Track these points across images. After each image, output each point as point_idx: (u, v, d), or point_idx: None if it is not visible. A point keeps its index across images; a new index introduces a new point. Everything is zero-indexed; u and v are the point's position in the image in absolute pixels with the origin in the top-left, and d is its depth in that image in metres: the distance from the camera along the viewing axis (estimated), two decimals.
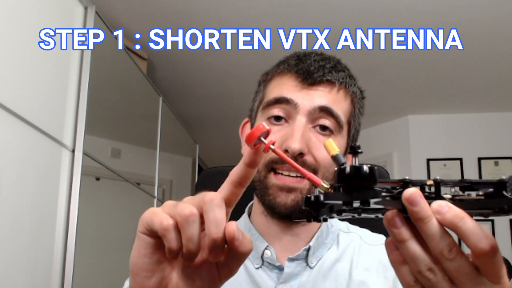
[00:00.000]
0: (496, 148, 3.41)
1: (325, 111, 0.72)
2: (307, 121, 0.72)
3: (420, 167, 3.45)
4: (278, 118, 0.74)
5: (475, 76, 2.91)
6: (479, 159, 3.42)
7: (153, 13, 2.32)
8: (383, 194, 0.40)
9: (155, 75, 2.95)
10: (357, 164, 0.39)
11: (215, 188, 1.00)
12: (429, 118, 3.52)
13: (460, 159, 3.43)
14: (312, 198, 0.45)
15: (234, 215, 0.83)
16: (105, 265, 1.94)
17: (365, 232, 0.82)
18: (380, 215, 0.43)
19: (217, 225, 0.42)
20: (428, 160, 3.45)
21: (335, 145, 0.43)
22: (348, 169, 0.38)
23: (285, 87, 0.75)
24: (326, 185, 0.43)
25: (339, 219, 0.83)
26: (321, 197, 0.45)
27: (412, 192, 0.38)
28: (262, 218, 0.77)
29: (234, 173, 0.47)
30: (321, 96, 0.73)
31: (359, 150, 0.40)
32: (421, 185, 0.40)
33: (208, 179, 1.07)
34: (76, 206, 1.56)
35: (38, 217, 1.41)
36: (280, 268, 0.73)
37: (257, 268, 0.74)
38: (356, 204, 0.39)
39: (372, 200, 0.38)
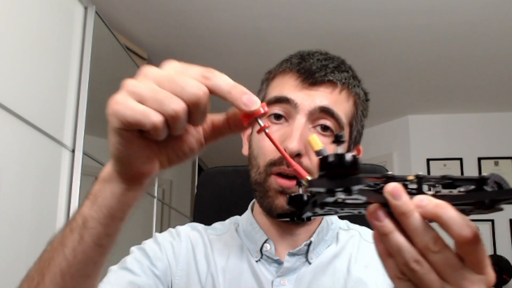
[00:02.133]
0: (496, 148, 3.41)
1: (326, 111, 0.71)
2: (307, 121, 0.71)
3: (420, 167, 3.45)
4: (278, 117, 0.73)
5: (475, 76, 2.91)
6: (479, 159, 3.42)
7: (153, 13, 2.32)
8: (366, 188, 0.40)
9: None
10: (340, 152, 0.39)
11: (215, 188, 1.00)
12: (429, 118, 3.52)
13: (460, 159, 3.43)
14: (296, 197, 0.45)
15: (238, 212, 0.84)
16: (105, 265, 1.93)
17: (365, 229, 0.82)
18: (363, 211, 0.43)
19: (252, 99, 0.44)
20: (428, 160, 3.45)
21: (319, 140, 0.42)
22: (331, 157, 0.39)
23: (286, 86, 0.74)
24: (311, 178, 0.43)
25: (339, 217, 0.84)
26: (305, 196, 0.46)
27: (394, 185, 0.38)
28: (264, 217, 0.77)
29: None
30: (322, 96, 0.72)
31: (342, 139, 0.40)
32: (404, 181, 0.40)
33: (208, 179, 1.07)
34: (76, 206, 1.56)
35: (38, 217, 1.41)
36: (279, 262, 0.73)
37: (257, 261, 0.74)
38: (339, 192, 0.39)
39: (354, 188, 0.38)
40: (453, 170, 3.42)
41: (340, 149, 0.40)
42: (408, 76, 2.93)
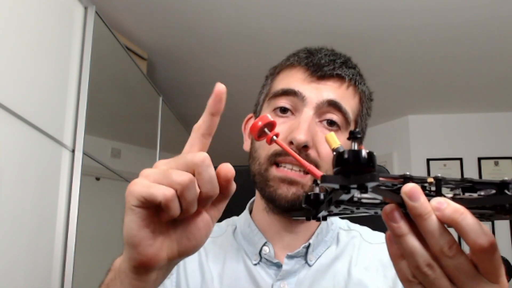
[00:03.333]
0: (496, 148, 3.41)
1: (333, 105, 0.71)
2: (314, 114, 0.71)
3: (420, 167, 3.45)
4: (284, 110, 0.72)
5: (475, 76, 2.91)
6: (479, 159, 3.42)
7: (153, 13, 2.32)
8: (383, 188, 0.40)
9: (155, 75, 2.95)
10: (355, 148, 0.39)
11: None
12: (429, 118, 3.52)
13: (460, 159, 3.43)
14: (312, 196, 0.44)
15: (237, 212, 0.84)
16: (105, 265, 1.93)
17: (366, 230, 0.81)
18: (379, 211, 0.42)
19: (213, 183, 0.43)
20: (428, 160, 3.45)
21: (336, 138, 0.42)
22: (346, 154, 0.38)
23: (294, 79, 0.73)
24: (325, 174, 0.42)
25: (340, 218, 0.83)
26: (321, 196, 0.45)
27: (412, 186, 0.38)
28: (264, 215, 0.76)
29: (202, 126, 0.48)
30: (330, 90, 0.72)
31: (359, 136, 0.40)
32: (422, 182, 0.40)
33: None
34: (76, 206, 1.56)
35: (38, 217, 1.41)
36: (278, 265, 0.72)
37: (255, 264, 0.73)
38: (354, 189, 0.38)
39: (369, 185, 0.37)
40: (453, 170, 3.42)
41: (356, 146, 0.39)
42: (408, 76, 2.93)
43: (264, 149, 0.72)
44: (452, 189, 0.41)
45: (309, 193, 0.45)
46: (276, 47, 2.54)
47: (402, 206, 0.39)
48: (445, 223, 0.38)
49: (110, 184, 2.01)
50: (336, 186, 0.39)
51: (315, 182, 0.47)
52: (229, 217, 0.84)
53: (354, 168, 0.38)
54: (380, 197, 0.40)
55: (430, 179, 0.40)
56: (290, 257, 0.72)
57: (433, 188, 0.40)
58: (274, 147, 0.70)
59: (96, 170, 1.82)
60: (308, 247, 0.73)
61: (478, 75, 2.89)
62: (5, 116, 1.25)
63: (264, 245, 0.73)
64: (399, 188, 0.39)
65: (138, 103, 2.42)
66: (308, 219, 0.47)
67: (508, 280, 3.05)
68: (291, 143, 0.69)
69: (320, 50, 0.76)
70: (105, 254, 1.95)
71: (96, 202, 1.89)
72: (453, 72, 2.86)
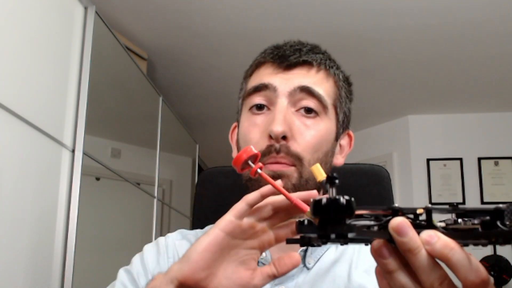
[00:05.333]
0: (496, 148, 3.41)
1: (305, 91, 0.70)
2: (289, 104, 0.70)
3: (420, 167, 3.45)
4: (260, 107, 0.72)
5: (475, 76, 2.91)
6: (479, 159, 3.42)
7: (153, 13, 2.32)
8: (370, 223, 0.39)
9: (155, 75, 2.95)
10: (333, 195, 0.38)
11: (215, 188, 1.01)
12: (429, 118, 3.52)
13: (460, 159, 3.43)
14: (306, 223, 0.43)
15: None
16: (105, 265, 1.93)
17: None
18: (369, 244, 0.41)
19: None
20: (428, 160, 3.45)
21: (322, 170, 0.42)
22: (324, 201, 0.37)
23: (263, 74, 0.74)
24: (305, 218, 0.42)
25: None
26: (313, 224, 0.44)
27: (399, 221, 0.37)
28: None
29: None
30: (300, 77, 0.72)
31: (336, 181, 0.39)
32: (412, 213, 0.39)
33: (208, 179, 1.07)
34: (76, 206, 1.56)
35: (38, 217, 1.41)
36: None
37: None
38: (333, 236, 0.37)
39: (349, 235, 0.37)
40: (453, 170, 3.42)
41: (333, 192, 0.38)
42: (408, 76, 2.93)
43: None
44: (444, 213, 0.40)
45: (302, 220, 0.43)
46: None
47: (390, 240, 0.38)
48: (436, 258, 0.37)
49: (110, 184, 2.01)
50: (314, 236, 0.38)
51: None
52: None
53: (331, 216, 0.37)
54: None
55: (420, 210, 0.39)
56: None
57: (423, 217, 0.39)
58: (258, 149, 0.69)
59: (96, 170, 1.82)
60: (306, 250, 0.72)
61: (478, 75, 2.89)
62: (5, 116, 1.25)
63: None
64: (388, 221, 0.38)
65: (138, 103, 2.42)
66: (302, 245, 0.45)
67: (508, 280, 3.04)
68: (270, 137, 0.68)
69: (287, 43, 0.77)
70: (105, 254, 1.95)
71: (96, 202, 1.89)
72: (453, 72, 2.86)
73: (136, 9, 2.27)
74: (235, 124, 0.84)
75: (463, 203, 3.35)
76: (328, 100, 0.73)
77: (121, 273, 0.74)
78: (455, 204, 0.39)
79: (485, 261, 3.02)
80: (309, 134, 0.70)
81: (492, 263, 2.99)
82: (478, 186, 3.39)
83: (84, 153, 1.62)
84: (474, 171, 3.41)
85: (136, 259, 0.76)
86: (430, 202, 3.37)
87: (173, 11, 2.29)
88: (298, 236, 0.45)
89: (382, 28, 2.39)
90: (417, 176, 3.45)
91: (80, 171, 1.59)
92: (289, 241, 0.48)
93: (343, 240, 0.39)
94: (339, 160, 0.78)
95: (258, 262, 0.71)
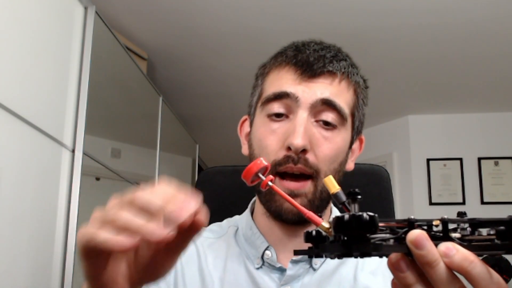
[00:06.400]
0: (496, 148, 3.41)
1: (328, 104, 0.69)
2: (309, 115, 0.69)
3: (420, 167, 3.45)
4: (278, 115, 0.71)
5: (475, 76, 2.91)
6: (479, 159, 3.42)
7: (153, 13, 2.32)
8: (387, 236, 0.38)
9: (155, 75, 2.95)
10: (357, 211, 0.37)
11: (215, 188, 1.00)
12: (429, 118, 3.52)
13: (460, 159, 3.43)
14: (314, 233, 0.42)
15: (237, 212, 0.83)
16: None
17: None
18: (385, 257, 0.40)
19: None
20: (428, 160, 3.45)
21: (335, 182, 0.41)
22: (346, 217, 0.36)
23: (284, 80, 0.72)
24: (326, 224, 0.41)
25: None
26: (323, 233, 0.42)
27: (417, 234, 0.36)
28: (265, 219, 0.74)
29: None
30: (323, 88, 0.70)
31: (359, 197, 0.38)
32: (428, 225, 0.38)
33: (208, 179, 1.07)
34: (76, 206, 1.56)
35: (38, 217, 1.41)
36: (281, 270, 0.71)
37: (258, 269, 0.71)
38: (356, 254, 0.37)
39: (373, 254, 0.36)
40: (453, 170, 3.42)
41: (356, 208, 0.37)
42: (408, 76, 2.93)
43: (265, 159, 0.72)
44: (460, 228, 0.39)
45: (310, 231, 0.42)
46: (276, 47, 2.52)
47: (408, 253, 0.37)
48: (454, 270, 0.36)
49: (110, 184, 2.01)
50: (338, 253, 0.37)
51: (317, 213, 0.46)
52: (229, 217, 0.84)
53: (355, 234, 0.36)
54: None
55: (436, 222, 0.38)
56: (295, 262, 0.71)
57: (439, 228, 0.38)
58: (274, 157, 0.69)
59: (96, 170, 1.82)
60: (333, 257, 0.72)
61: (478, 75, 2.89)
62: (5, 116, 1.25)
63: (266, 249, 0.72)
64: (404, 232, 0.38)
65: (138, 103, 2.42)
66: (310, 257, 0.44)
67: (508, 280, 3.05)
68: (289, 148, 0.67)
69: (308, 45, 0.75)
70: None
71: (96, 202, 1.89)
72: (453, 72, 2.86)
73: (136, 9, 2.27)
74: (245, 117, 0.82)
75: (463, 203, 3.36)
76: (347, 110, 0.72)
77: None
78: (464, 214, 0.38)
79: (484, 261, 3.02)
80: (327, 147, 0.69)
81: (492, 263, 2.99)
82: (478, 186, 3.39)
83: (84, 153, 1.63)
84: (474, 171, 3.41)
85: None
86: (430, 202, 3.37)
87: (173, 11, 2.29)
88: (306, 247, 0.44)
89: (382, 28, 2.39)
90: (417, 176, 3.45)
91: (80, 171, 1.59)
92: (297, 252, 0.46)
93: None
94: (349, 165, 0.78)
95: (264, 261, 0.71)
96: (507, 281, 2.96)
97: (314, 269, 0.71)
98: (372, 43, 2.53)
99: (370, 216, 0.36)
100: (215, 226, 0.81)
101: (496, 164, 3.40)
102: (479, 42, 2.50)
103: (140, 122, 2.48)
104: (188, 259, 0.75)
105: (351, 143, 0.76)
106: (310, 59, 0.71)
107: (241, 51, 2.65)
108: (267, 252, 0.72)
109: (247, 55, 2.69)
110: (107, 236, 0.39)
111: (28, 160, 1.36)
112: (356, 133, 0.77)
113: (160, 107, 2.63)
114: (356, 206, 0.38)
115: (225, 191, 1.04)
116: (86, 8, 1.72)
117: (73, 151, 1.61)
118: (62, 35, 1.58)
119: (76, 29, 1.67)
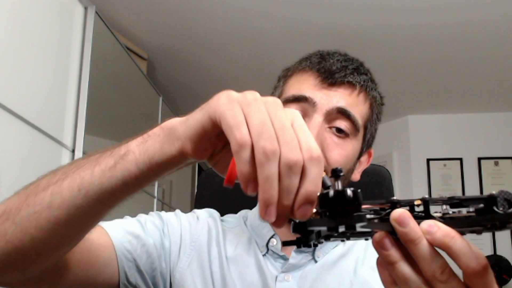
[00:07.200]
0: (496, 148, 3.41)
1: (343, 113, 0.72)
2: (324, 121, 0.71)
3: (420, 167, 3.45)
4: None
5: (475, 76, 2.91)
6: (479, 159, 3.42)
7: (153, 13, 2.31)
8: (371, 216, 0.39)
9: (155, 75, 2.95)
10: (340, 187, 0.38)
11: (215, 188, 1.01)
12: (429, 118, 3.52)
13: (460, 159, 3.43)
14: (300, 224, 0.43)
15: (246, 205, 0.84)
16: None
17: None
18: (370, 238, 0.42)
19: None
20: (428, 160, 3.45)
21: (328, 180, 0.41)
22: (331, 194, 0.38)
23: (305, 85, 0.74)
24: (312, 217, 0.41)
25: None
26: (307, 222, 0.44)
27: (400, 212, 0.38)
28: None
29: None
30: (341, 97, 0.72)
31: (341, 174, 0.39)
32: (410, 205, 0.40)
33: (208, 179, 1.07)
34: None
35: None
36: (284, 258, 0.73)
37: (263, 255, 0.75)
38: (342, 229, 0.38)
39: (358, 224, 0.37)
40: (453, 170, 3.42)
41: (339, 185, 0.39)
42: (408, 76, 2.93)
43: None
44: (440, 205, 0.41)
45: (296, 220, 0.43)
46: (276, 47, 2.53)
47: (392, 232, 0.39)
48: (436, 247, 0.38)
49: None
50: (324, 229, 0.38)
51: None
52: (240, 210, 0.86)
53: (340, 209, 0.37)
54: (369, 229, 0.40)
55: (418, 201, 0.39)
56: (299, 251, 0.73)
57: (421, 209, 0.40)
58: None
59: None
60: (316, 244, 0.74)
61: (478, 75, 2.89)
62: (5, 116, 1.24)
63: (272, 237, 0.75)
64: (387, 213, 0.39)
65: (138, 103, 2.41)
66: (299, 246, 0.46)
67: (508, 280, 3.05)
68: None
69: (333, 55, 0.77)
70: None
71: None
72: (453, 72, 2.86)
73: (136, 9, 2.27)
74: None
75: None
76: (361, 122, 0.75)
77: (153, 214, 0.77)
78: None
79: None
80: (338, 153, 0.72)
81: (492, 263, 2.99)
82: (478, 186, 3.39)
83: (84, 153, 1.62)
84: (474, 171, 3.41)
85: (169, 213, 0.79)
86: None
87: (173, 11, 2.29)
88: (294, 237, 0.45)
89: (382, 28, 2.39)
90: (417, 176, 3.45)
91: None
92: (286, 243, 0.47)
93: (348, 234, 0.40)
94: (356, 175, 0.80)
95: (268, 249, 0.74)
96: (507, 281, 2.96)
97: (316, 261, 0.74)
98: (372, 43, 2.53)
99: (353, 191, 0.38)
100: (230, 217, 0.85)
101: (496, 164, 3.40)
102: (479, 42, 2.50)
103: (140, 122, 2.48)
104: (211, 230, 0.79)
105: (360, 154, 0.78)
106: (332, 68, 0.73)
107: (241, 51, 2.65)
108: (272, 240, 0.75)
109: (246, 55, 2.69)
110: (246, 170, 0.38)
111: (28, 160, 1.36)
112: (366, 146, 0.79)
113: (160, 107, 2.63)
114: (339, 183, 0.39)
115: (226, 191, 1.04)
116: (86, 8, 1.72)
117: (73, 151, 1.60)
118: (62, 35, 1.58)
119: (76, 29, 1.67)
